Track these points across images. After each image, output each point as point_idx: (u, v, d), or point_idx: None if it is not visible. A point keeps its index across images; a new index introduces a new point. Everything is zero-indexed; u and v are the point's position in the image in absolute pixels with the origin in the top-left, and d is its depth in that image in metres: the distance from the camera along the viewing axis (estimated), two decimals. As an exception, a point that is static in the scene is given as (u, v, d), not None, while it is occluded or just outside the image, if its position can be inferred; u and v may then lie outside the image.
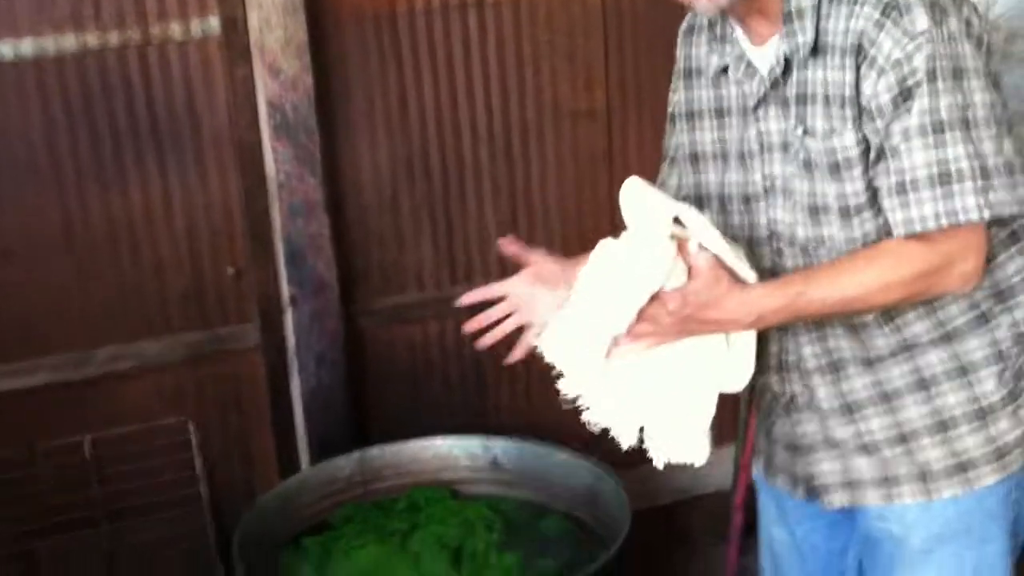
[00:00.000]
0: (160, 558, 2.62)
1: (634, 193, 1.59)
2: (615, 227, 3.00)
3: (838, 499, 1.74)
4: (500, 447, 2.62)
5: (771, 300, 1.52)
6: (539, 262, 1.79)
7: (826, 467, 1.73)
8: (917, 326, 1.61)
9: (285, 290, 2.64)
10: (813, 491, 1.76)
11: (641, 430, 1.62)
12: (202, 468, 2.66)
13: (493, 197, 2.87)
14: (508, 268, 2.91)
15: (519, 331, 1.82)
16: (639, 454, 3.16)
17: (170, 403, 2.66)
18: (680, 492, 3.21)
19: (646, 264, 1.50)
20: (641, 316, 1.50)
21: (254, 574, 2.17)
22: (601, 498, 2.44)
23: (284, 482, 2.51)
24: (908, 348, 1.62)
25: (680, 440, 1.61)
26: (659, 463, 1.65)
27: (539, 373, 2.98)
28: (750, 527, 3.03)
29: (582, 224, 2.98)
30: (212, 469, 2.71)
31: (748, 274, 1.54)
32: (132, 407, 2.62)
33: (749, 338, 1.59)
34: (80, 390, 2.58)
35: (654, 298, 1.50)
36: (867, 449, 1.67)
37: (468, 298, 1.85)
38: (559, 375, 1.62)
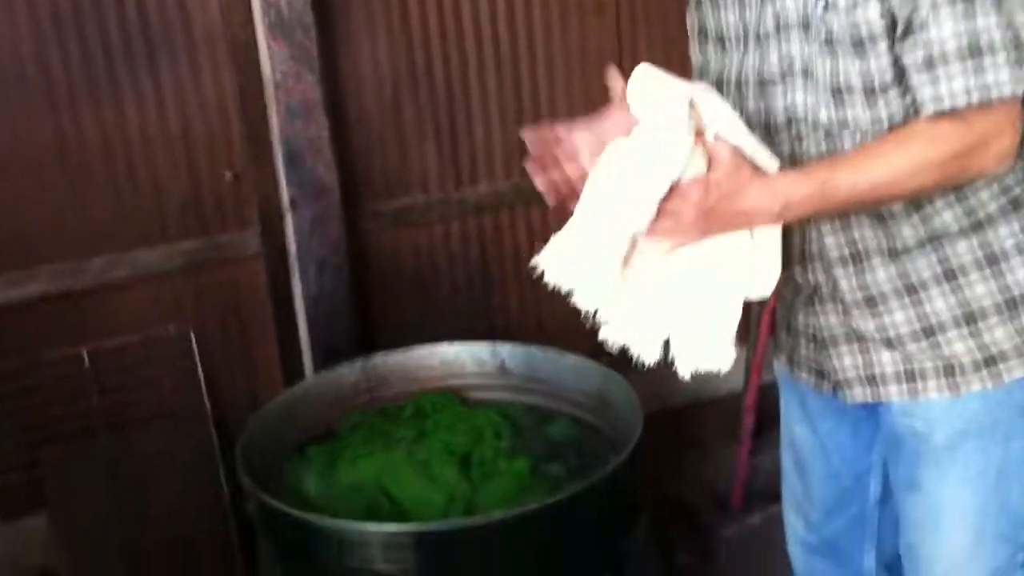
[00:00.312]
0: (163, 468, 2.59)
1: (646, 80, 1.48)
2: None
3: (860, 394, 1.68)
4: (507, 352, 2.55)
5: (797, 188, 1.42)
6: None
7: (848, 361, 1.66)
8: (946, 214, 1.53)
9: (285, 194, 2.56)
10: (836, 386, 1.70)
11: (665, 342, 1.53)
12: (204, 378, 2.61)
13: (498, 98, 2.77)
14: (514, 170, 2.84)
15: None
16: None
17: (169, 313, 2.60)
18: (691, 394, 3.16)
19: (664, 151, 1.39)
20: (661, 212, 1.39)
21: (258, 483, 2.12)
22: (611, 402, 2.38)
23: (288, 390, 2.45)
24: (936, 238, 1.54)
25: (706, 348, 1.54)
26: (685, 374, 1.58)
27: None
28: (761, 428, 3.00)
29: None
30: (214, 379, 2.66)
31: (770, 163, 1.45)
32: (130, 317, 2.57)
33: (774, 239, 1.49)
34: (77, 301, 2.52)
35: (673, 192, 1.39)
36: (891, 343, 1.61)
37: (531, 135, 1.57)
38: (569, 292, 1.51)
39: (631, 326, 1.53)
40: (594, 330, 3.01)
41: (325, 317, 2.62)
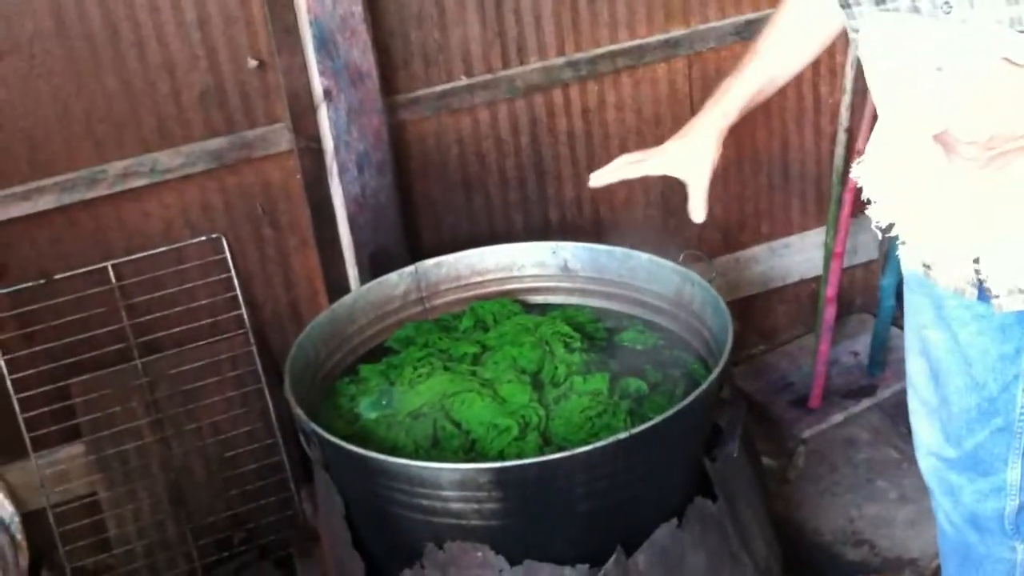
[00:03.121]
0: (203, 387, 2.40)
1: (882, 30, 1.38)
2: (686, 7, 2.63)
3: (1008, 303, 1.47)
4: (570, 251, 2.33)
5: None
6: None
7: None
8: None
9: (317, 83, 2.28)
10: (984, 292, 1.49)
11: (975, 261, 1.44)
12: (241, 289, 2.39)
13: (549, -41, 2.46)
14: (567, 43, 2.56)
15: None
16: (721, 243, 2.87)
17: (197, 221, 2.37)
18: (761, 283, 2.94)
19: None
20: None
21: (310, 408, 1.93)
22: (689, 304, 2.16)
23: (333, 304, 2.23)
24: None
25: (1019, 265, 1.40)
26: (1000, 305, 1.49)
27: (606, 162, 2.68)
28: (837, 317, 2.80)
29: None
30: (252, 293, 2.44)
31: None
32: (155, 227, 2.34)
33: None
34: (95, 212, 2.28)
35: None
36: None
37: (597, 183, 1.81)
38: (865, 205, 1.48)
39: (939, 244, 1.45)
40: (656, 222, 2.77)
41: (369, 219, 2.38)
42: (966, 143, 1.29)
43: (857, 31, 1.48)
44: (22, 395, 2.26)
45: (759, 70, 1.75)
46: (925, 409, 1.77)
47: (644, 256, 2.25)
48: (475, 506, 1.77)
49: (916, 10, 1.38)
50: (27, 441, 2.28)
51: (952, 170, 1.36)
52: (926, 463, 1.82)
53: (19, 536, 2.31)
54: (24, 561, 2.31)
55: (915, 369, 1.76)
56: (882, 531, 2.51)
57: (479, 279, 2.34)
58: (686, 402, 1.80)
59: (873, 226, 1.48)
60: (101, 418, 2.33)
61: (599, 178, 1.79)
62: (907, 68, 1.34)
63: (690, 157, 1.74)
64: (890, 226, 1.47)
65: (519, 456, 1.84)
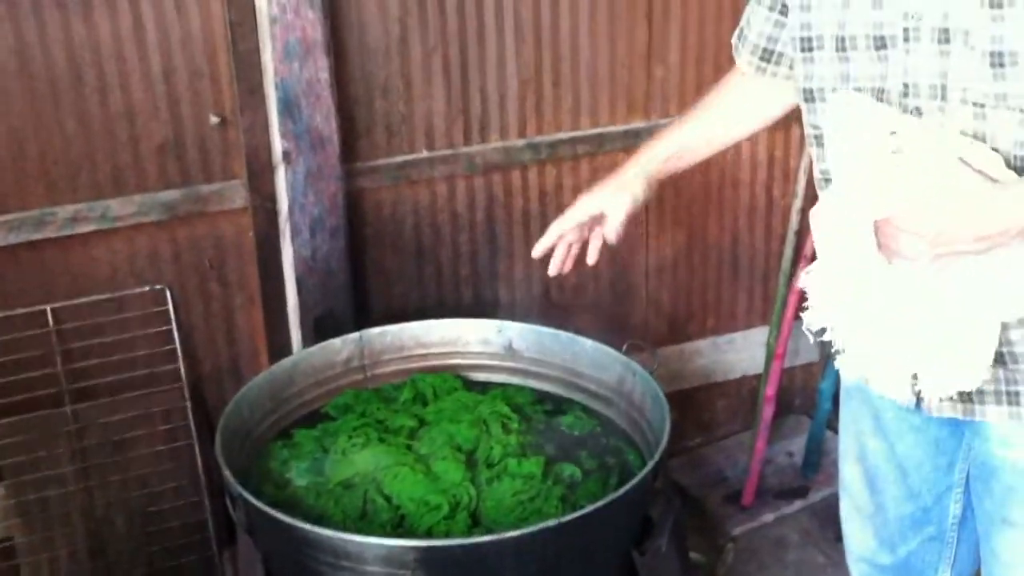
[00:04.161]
0: (132, 439, 2.36)
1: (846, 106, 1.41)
2: (650, 87, 2.68)
3: (949, 408, 1.49)
4: (516, 331, 2.33)
5: None
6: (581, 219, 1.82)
7: None
8: None
9: (277, 144, 2.29)
10: (919, 396, 1.50)
11: (913, 377, 1.45)
12: (181, 343, 2.36)
13: (516, 44, 2.50)
14: (528, 126, 2.59)
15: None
16: (668, 333, 2.89)
17: (143, 270, 2.34)
18: (702, 376, 2.96)
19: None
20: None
21: (239, 470, 1.90)
22: (629, 393, 2.17)
23: (274, 364, 2.21)
24: None
25: (958, 372, 1.40)
26: (933, 400, 1.50)
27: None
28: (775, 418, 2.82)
29: (615, 83, 2.63)
30: (192, 347, 2.41)
31: (1002, 173, 1.30)
32: (100, 274, 2.31)
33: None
34: (40, 253, 2.25)
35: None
36: (1001, 359, 1.40)
37: (539, 251, 1.86)
38: (804, 308, 1.51)
39: (876, 359, 1.47)
40: (604, 307, 2.80)
41: (317, 283, 2.37)
42: (911, 233, 1.29)
43: (818, 120, 1.52)
44: (-54, 433, 2.22)
45: (689, 129, 1.81)
46: (859, 515, 1.78)
47: (588, 343, 2.26)
48: (401, 583, 1.75)
49: (884, 102, 1.40)
50: (-54, 480, 2.23)
51: (891, 275, 1.37)
52: (857, 568, 1.83)
53: (-72, 579, 2.25)
54: (-69, 605, 2.25)
55: (850, 474, 1.78)
56: (808, 636, 2.52)
57: (423, 351, 2.34)
58: (620, 492, 1.80)
59: (805, 329, 1.49)
60: (25, 462, 2.28)
61: (540, 246, 1.84)
62: (866, 145, 1.37)
63: (609, 191, 1.80)
64: (822, 331, 1.49)
65: (447, 535, 1.83)
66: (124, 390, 2.35)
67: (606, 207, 1.79)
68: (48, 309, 2.26)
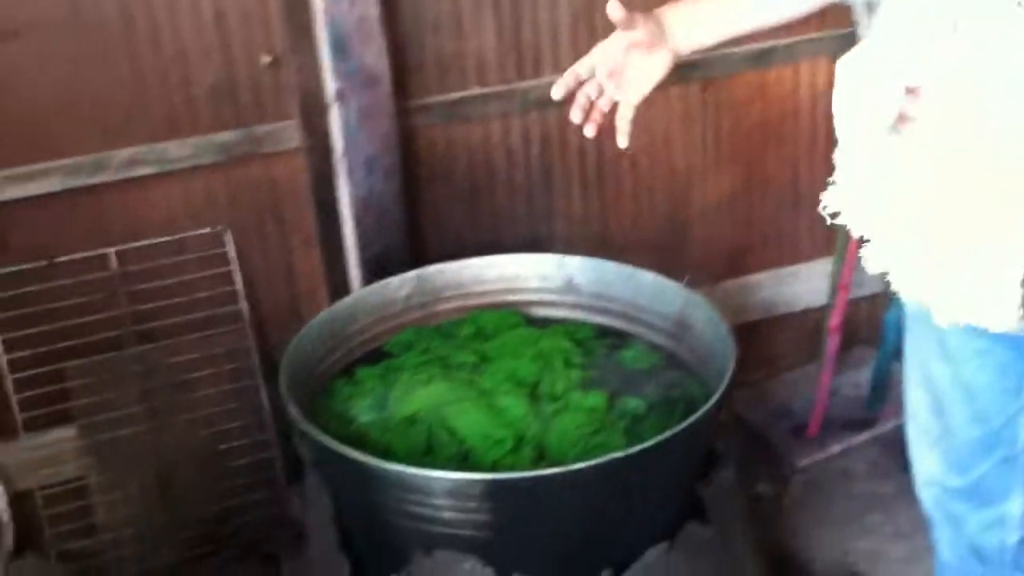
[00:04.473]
0: (198, 382, 2.38)
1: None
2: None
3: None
4: (576, 266, 2.31)
5: None
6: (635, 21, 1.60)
7: None
8: None
9: (330, 83, 2.27)
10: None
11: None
12: (241, 283, 2.37)
13: (569, -28, 2.45)
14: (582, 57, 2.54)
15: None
16: (726, 267, 2.86)
17: (201, 213, 2.34)
18: (765, 310, 2.93)
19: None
20: None
21: (305, 413, 1.91)
22: (692, 326, 2.15)
23: (334, 304, 2.22)
24: None
25: (976, 298, 1.34)
26: (942, 322, 1.42)
27: (615, 179, 2.66)
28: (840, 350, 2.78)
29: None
30: (251, 286, 2.42)
31: None
32: (158, 217, 2.32)
33: None
34: (99, 197, 2.26)
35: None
36: None
37: (559, 90, 1.69)
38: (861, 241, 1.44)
39: (898, 251, 1.38)
40: (661, 242, 2.72)
41: (374, 222, 2.36)
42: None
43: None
44: (16, 375, 2.24)
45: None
46: (927, 439, 1.75)
47: (649, 275, 2.23)
48: (465, 516, 1.75)
49: None
50: (19, 422, 2.26)
51: (907, 151, 1.30)
52: (927, 493, 1.80)
53: (5, 516, 2.29)
54: (9, 541, 2.29)
55: (916, 400, 1.75)
56: (876, 566, 2.48)
57: (482, 288, 2.33)
58: (684, 424, 1.79)
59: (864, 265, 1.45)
60: (94, 403, 2.31)
61: (560, 86, 1.68)
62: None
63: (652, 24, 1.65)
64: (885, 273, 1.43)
65: (512, 469, 1.83)
66: (187, 331, 2.37)
67: (638, 63, 1.64)
68: (112, 252, 2.28)
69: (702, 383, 2.08)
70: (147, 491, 2.36)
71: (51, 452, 2.31)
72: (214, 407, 2.40)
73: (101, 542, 2.35)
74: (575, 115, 1.69)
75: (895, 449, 2.68)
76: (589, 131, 1.70)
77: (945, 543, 1.81)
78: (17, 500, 2.33)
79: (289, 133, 2.33)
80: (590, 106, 1.69)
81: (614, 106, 1.68)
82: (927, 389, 1.71)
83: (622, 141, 1.67)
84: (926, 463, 1.78)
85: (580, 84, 1.68)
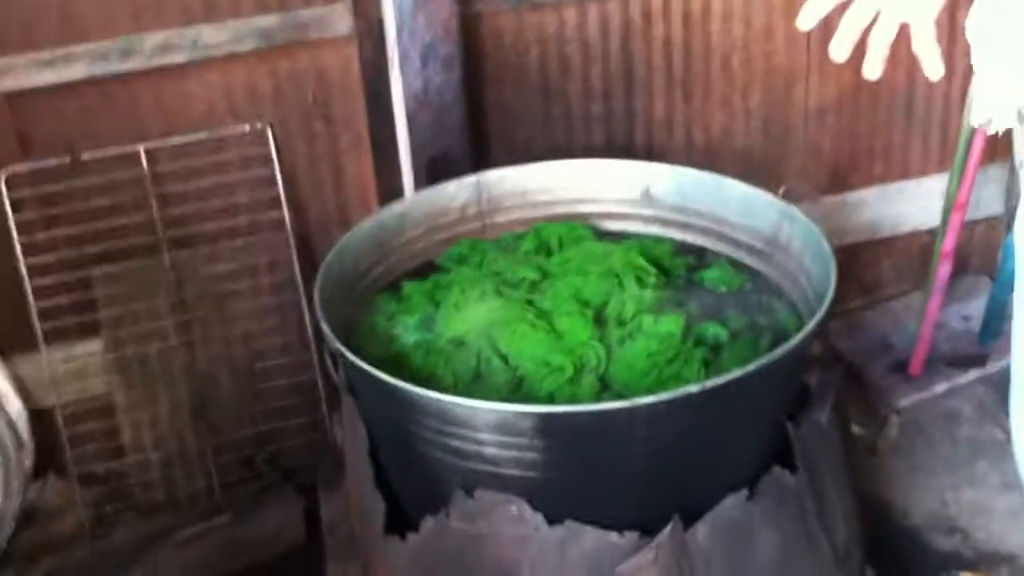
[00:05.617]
0: (236, 294, 2.20)
1: None
2: None
3: None
4: (654, 174, 2.05)
5: None
6: None
7: None
8: None
9: (382, -39, 2.03)
10: None
11: None
12: (284, 188, 2.16)
13: None
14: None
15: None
16: (827, 183, 2.57)
17: (242, 108, 2.13)
18: (867, 231, 2.64)
19: None
20: None
21: (342, 324, 1.70)
22: (786, 245, 1.88)
23: (381, 210, 1.99)
24: None
25: None
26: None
27: (704, 79, 2.37)
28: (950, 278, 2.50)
29: None
30: (296, 193, 2.21)
31: None
32: (195, 111, 2.11)
33: None
34: (129, 87, 2.06)
35: None
36: None
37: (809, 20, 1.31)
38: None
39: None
40: (754, 153, 2.40)
41: (430, 120, 2.12)
42: None
43: None
44: (38, 282, 2.07)
45: None
46: None
47: (739, 186, 1.96)
48: (514, 454, 1.53)
49: None
50: (39, 333, 2.10)
51: None
52: None
53: (25, 435, 2.14)
54: (29, 461, 2.15)
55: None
56: (979, 520, 2.25)
57: (548, 198, 2.08)
58: (773, 356, 1.53)
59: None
60: (123, 314, 2.14)
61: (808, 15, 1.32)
62: None
63: None
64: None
65: (571, 401, 1.60)
66: (225, 238, 2.18)
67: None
68: (141, 149, 2.08)
69: (794, 310, 1.82)
70: (178, 412, 2.21)
71: (74, 367, 2.16)
72: (252, 322, 2.22)
73: (127, 465, 2.21)
74: (841, 53, 1.31)
75: (1007, 390, 2.43)
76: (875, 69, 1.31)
77: None
78: (37, 418, 2.19)
79: (338, 17, 2.10)
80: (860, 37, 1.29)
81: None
82: None
83: (936, 70, 1.28)
84: None
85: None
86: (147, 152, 2.09)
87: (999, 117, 1.29)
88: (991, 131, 1.32)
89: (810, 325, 1.59)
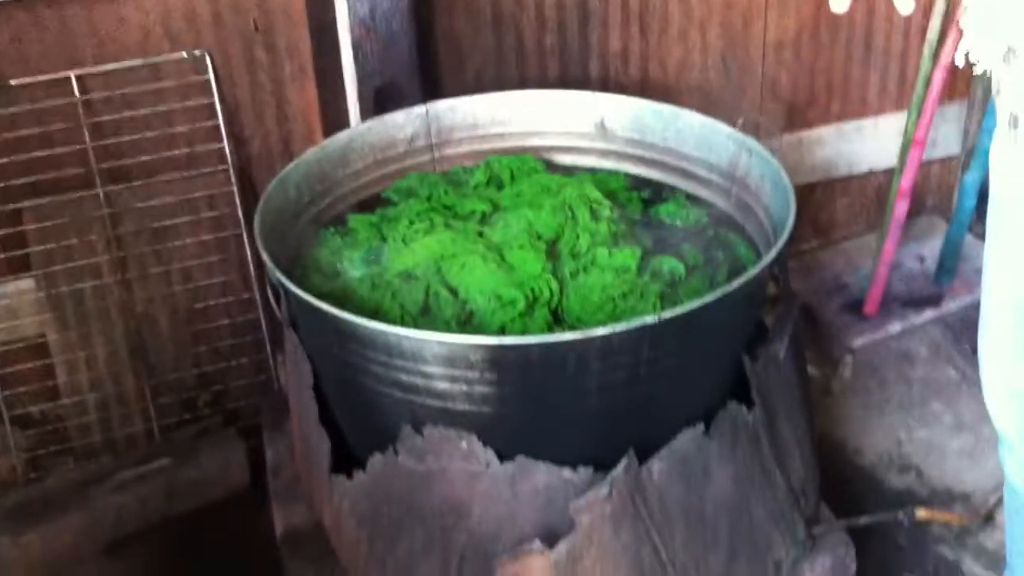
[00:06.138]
0: (175, 230, 2.11)
1: None
2: None
3: None
4: (609, 105, 1.99)
5: None
6: None
7: None
8: None
9: None
10: None
11: None
12: (225, 119, 2.07)
13: None
14: None
15: None
16: (783, 120, 2.52)
17: (180, 34, 2.03)
18: (823, 170, 2.59)
19: None
20: None
21: (283, 263, 1.63)
22: (744, 178, 1.83)
23: (326, 140, 1.91)
24: None
25: None
26: None
27: (662, 12, 2.30)
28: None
29: None
30: (238, 124, 2.12)
31: None
32: (131, 38, 2.01)
33: None
34: (60, 10, 1.95)
35: None
36: None
37: None
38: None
39: None
40: (711, 88, 2.33)
41: (377, 48, 2.03)
42: None
43: None
44: (-37, 215, 1.98)
45: None
46: (1011, 345, 1.43)
47: (696, 117, 1.91)
48: (464, 388, 1.48)
49: None
50: (-34, 268, 2.01)
51: None
52: (1002, 400, 1.49)
53: (-48, 375, 2.05)
54: (-44, 403, 2.06)
55: (994, 304, 1.43)
56: (932, 459, 2.24)
57: (500, 130, 2.01)
58: (730, 287, 1.49)
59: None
60: (55, 250, 2.04)
61: None
62: None
63: None
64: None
65: (523, 334, 1.54)
66: (162, 171, 2.09)
67: None
68: (73, 76, 1.98)
69: (752, 245, 1.78)
70: (115, 352, 2.12)
71: (5, 305, 2.07)
72: (192, 259, 2.14)
73: (62, 407, 2.13)
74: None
75: (963, 330, 2.42)
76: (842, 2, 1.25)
77: (1017, 467, 1.52)
78: (-35, 358, 2.11)
79: (281, -62, 2.00)
80: None
81: None
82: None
83: (906, 4, 1.20)
84: (1003, 370, 1.47)
85: None
86: (79, 79, 1.99)
87: (986, 56, 1.24)
88: (977, 71, 1.26)
89: (765, 259, 1.54)
